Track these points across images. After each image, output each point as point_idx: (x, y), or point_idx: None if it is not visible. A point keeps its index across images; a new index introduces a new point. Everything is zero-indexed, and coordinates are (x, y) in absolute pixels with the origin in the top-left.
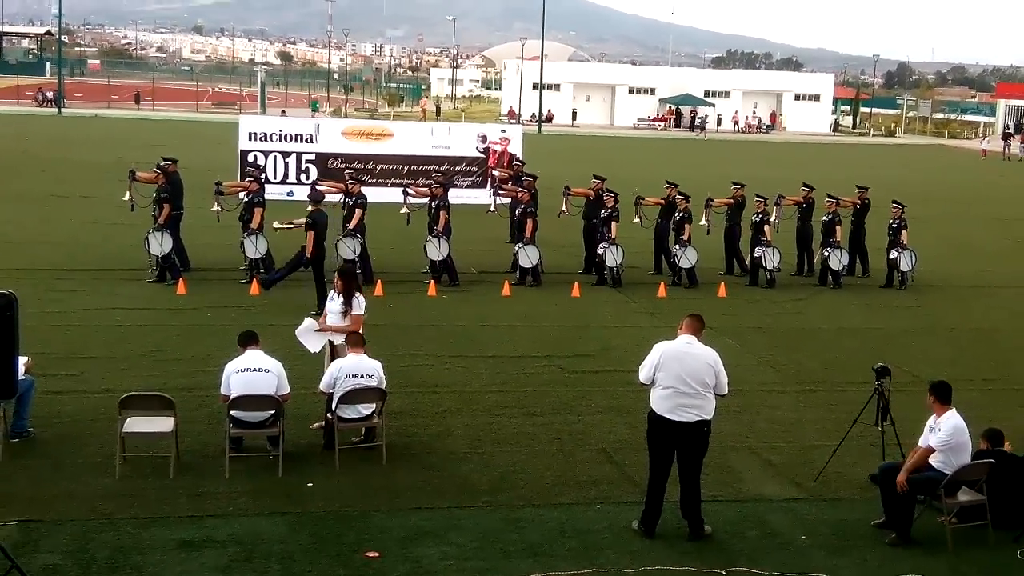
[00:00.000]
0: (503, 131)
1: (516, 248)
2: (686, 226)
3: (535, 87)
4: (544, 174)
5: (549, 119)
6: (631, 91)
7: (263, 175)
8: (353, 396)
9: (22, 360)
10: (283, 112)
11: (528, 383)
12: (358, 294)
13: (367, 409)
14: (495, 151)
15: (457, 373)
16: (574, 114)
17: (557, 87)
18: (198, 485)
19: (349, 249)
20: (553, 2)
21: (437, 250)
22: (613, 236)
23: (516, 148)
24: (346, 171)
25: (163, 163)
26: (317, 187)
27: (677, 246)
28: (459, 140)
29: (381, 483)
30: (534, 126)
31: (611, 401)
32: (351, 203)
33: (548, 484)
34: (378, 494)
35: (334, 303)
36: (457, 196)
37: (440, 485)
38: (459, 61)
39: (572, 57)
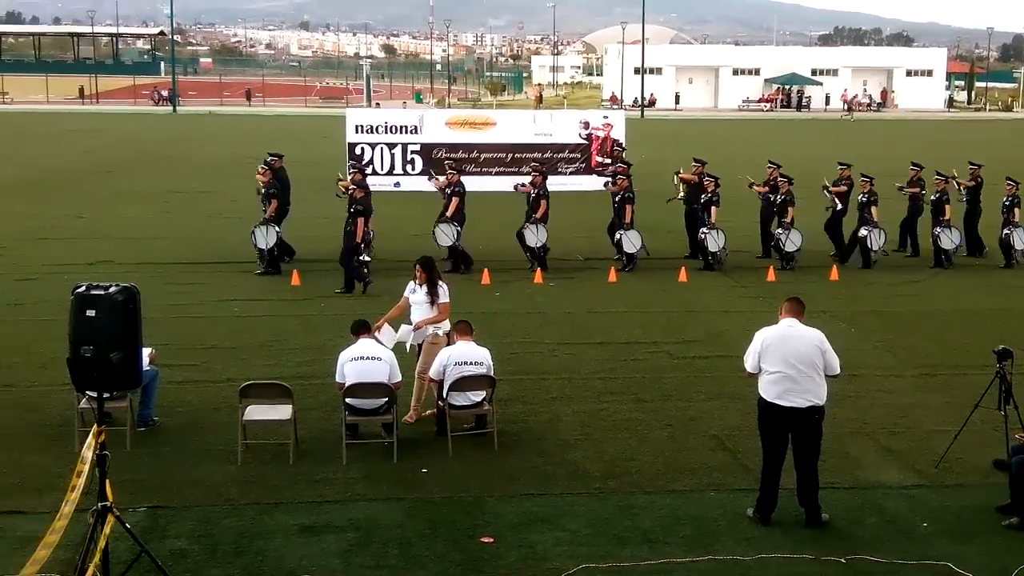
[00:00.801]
0: (605, 117)
1: (618, 234)
2: (789, 209)
3: (637, 71)
4: (648, 159)
5: (652, 103)
6: (735, 72)
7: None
8: (463, 383)
9: (146, 351)
10: (377, 104)
11: (637, 369)
12: (441, 282)
13: (477, 396)
14: (598, 137)
15: (565, 360)
16: (677, 98)
17: (659, 71)
18: (316, 471)
19: (446, 236)
20: None
21: (535, 237)
22: (713, 221)
23: (619, 133)
24: (445, 160)
25: (270, 159)
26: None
27: (780, 229)
28: (561, 127)
29: (493, 469)
30: (636, 111)
31: (722, 387)
32: (449, 191)
33: (660, 470)
34: (491, 480)
35: (417, 294)
36: (560, 183)
37: (552, 471)
38: (560, 48)
39: (674, 40)
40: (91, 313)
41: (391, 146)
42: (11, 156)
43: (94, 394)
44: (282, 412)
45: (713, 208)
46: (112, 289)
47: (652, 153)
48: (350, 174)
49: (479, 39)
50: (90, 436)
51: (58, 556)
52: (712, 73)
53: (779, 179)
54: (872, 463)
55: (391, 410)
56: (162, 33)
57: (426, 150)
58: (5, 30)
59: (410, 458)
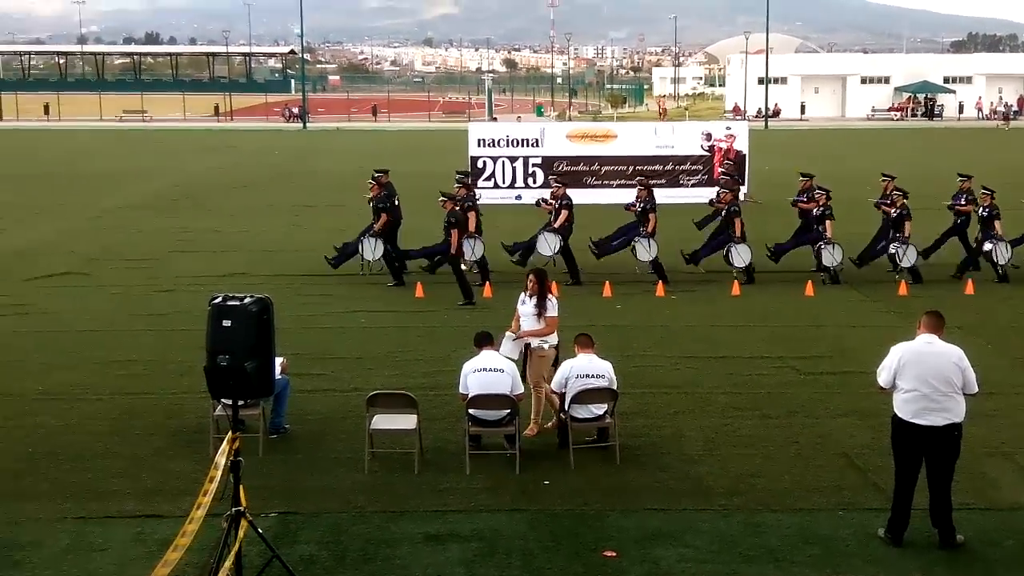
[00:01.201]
0: (728, 128)
1: (728, 248)
2: (906, 223)
3: (760, 81)
4: (772, 170)
5: (776, 114)
6: (863, 81)
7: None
8: (585, 396)
9: (278, 360)
10: (494, 118)
11: (762, 384)
12: (551, 296)
13: (599, 409)
14: (720, 149)
15: (688, 374)
16: (802, 107)
17: (784, 80)
18: (441, 481)
19: (548, 245)
20: None
21: (647, 251)
22: (829, 234)
23: (742, 145)
24: (550, 175)
25: (376, 174)
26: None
27: (896, 243)
28: (683, 139)
29: (616, 483)
30: (760, 122)
31: (851, 404)
32: (557, 204)
33: (787, 488)
34: (613, 494)
35: (526, 305)
36: (682, 196)
37: (675, 487)
38: (681, 59)
39: (799, 49)
40: (227, 323)
41: (512, 159)
42: (151, 172)
43: (229, 402)
44: (407, 422)
45: (828, 222)
46: (247, 300)
47: (777, 164)
48: (455, 187)
49: (600, 52)
50: (224, 443)
51: (192, 559)
52: (839, 82)
53: (894, 192)
54: (1009, 484)
55: (513, 422)
56: (292, 52)
57: (547, 163)
58: (145, 51)
59: (533, 470)
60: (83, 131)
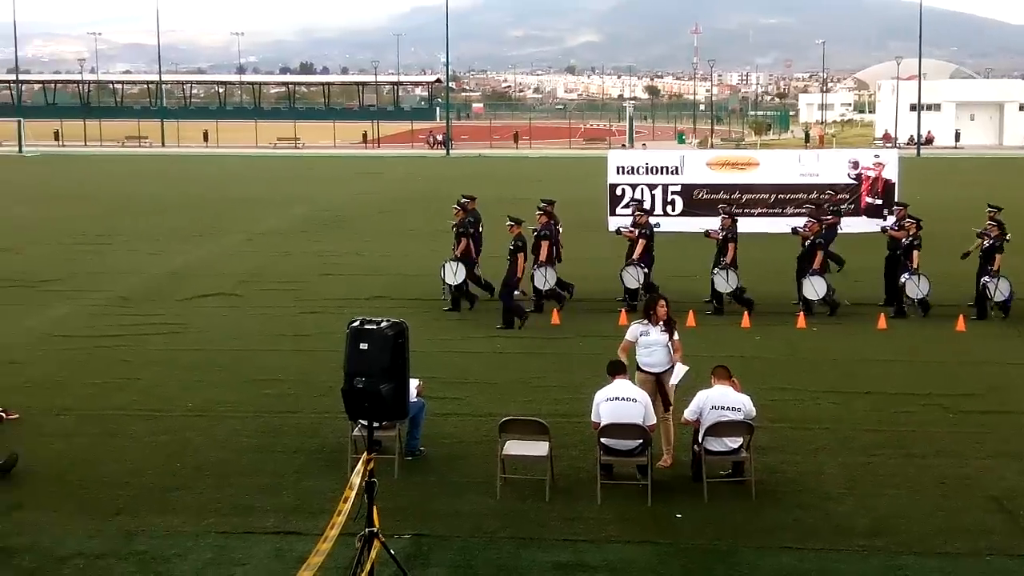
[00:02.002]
0: (876, 156)
1: (804, 279)
2: (996, 256)
3: (913, 108)
4: (924, 200)
5: (929, 141)
6: (1022, 107)
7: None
8: (720, 429)
9: (415, 383)
10: (644, 145)
11: (907, 422)
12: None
13: (734, 443)
14: (868, 177)
15: (830, 409)
16: (957, 135)
17: (937, 107)
18: (571, 509)
19: (632, 278)
20: (932, 18)
21: (725, 282)
22: (915, 265)
23: (891, 173)
24: (631, 203)
25: (463, 200)
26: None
27: (987, 277)
28: (829, 167)
29: (750, 519)
30: (912, 149)
31: (1002, 445)
32: (637, 233)
33: (931, 531)
34: (747, 530)
35: (651, 336)
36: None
37: (813, 525)
38: (829, 85)
39: (954, 74)
40: (364, 346)
41: (651, 187)
42: (301, 198)
43: (366, 423)
44: (539, 448)
45: (915, 252)
46: (383, 324)
47: (930, 194)
48: (537, 214)
49: (744, 78)
50: (359, 463)
51: None
52: (996, 109)
53: (988, 224)
54: None
55: (645, 452)
56: (438, 81)
57: (687, 190)
58: (299, 80)
59: (665, 502)
60: (239, 157)
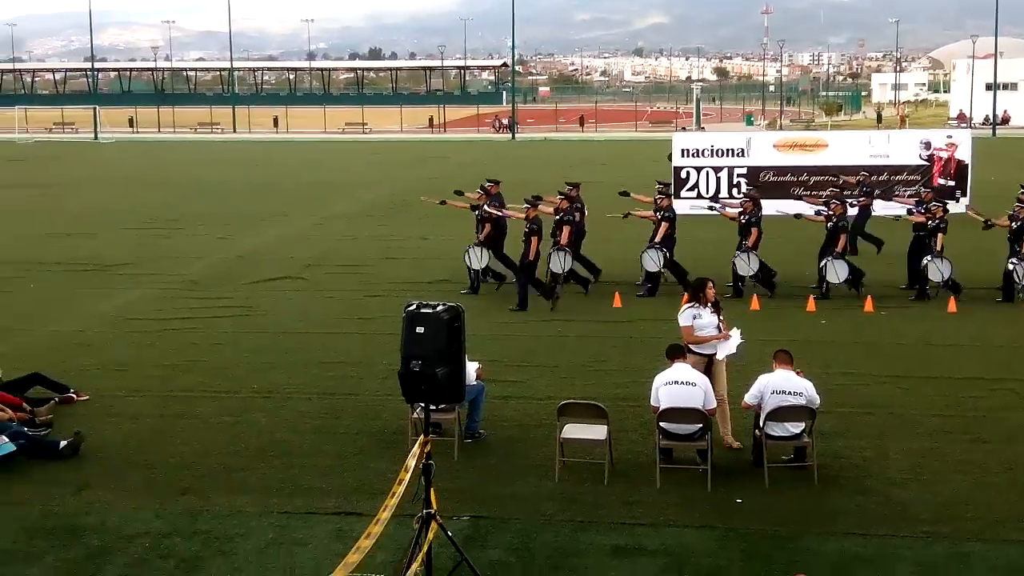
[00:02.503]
0: (949, 136)
1: (824, 261)
2: (938, 236)
3: (988, 87)
4: (998, 181)
5: (1005, 121)
6: None
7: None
8: (781, 414)
9: (474, 366)
10: (683, 128)
11: (976, 407)
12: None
13: (796, 428)
14: (940, 158)
15: (895, 394)
16: None
17: (1014, 86)
18: (630, 493)
19: (652, 261)
20: None
21: (747, 265)
22: (938, 248)
23: (964, 154)
24: (658, 185)
25: (487, 184)
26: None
27: (1015, 259)
28: (899, 148)
29: (812, 504)
30: (987, 129)
31: None
32: (659, 216)
33: (999, 518)
34: (809, 515)
35: (703, 319)
36: (898, 208)
37: (876, 511)
38: (903, 64)
39: None
40: (420, 330)
41: (717, 169)
42: (368, 182)
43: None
44: (598, 432)
45: (939, 235)
46: (439, 308)
47: (1004, 175)
48: (558, 197)
49: (816, 58)
50: (416, 446)
51: (386, 559)
52: None
53: (1017, 204)
54: None
55: (705, 436)
56: (505, 65)
57: (753, 173)
58: (367, 66)
59: (725, 486)
60: (308, 143)
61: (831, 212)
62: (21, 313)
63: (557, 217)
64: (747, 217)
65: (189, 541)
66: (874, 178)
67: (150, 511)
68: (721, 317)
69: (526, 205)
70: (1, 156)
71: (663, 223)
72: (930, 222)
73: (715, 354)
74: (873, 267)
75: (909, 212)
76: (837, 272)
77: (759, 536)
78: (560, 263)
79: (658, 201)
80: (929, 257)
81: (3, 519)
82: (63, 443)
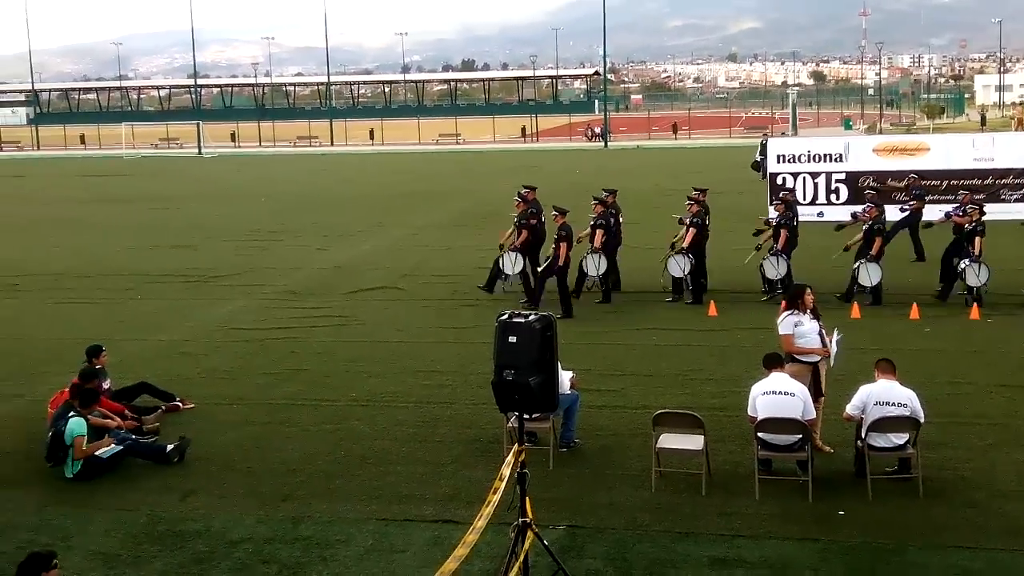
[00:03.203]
0: None
1: (858, 265)
2: (976, 240)
3: None
4: None
5: None
6: None
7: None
8: (884, 424)
9: (568, 375)
10: (782, 133)
11: None
12: None
13: (900, 439)
14: None
15: (1004, 404)
16: None
17: None
18: (728, 504)
19: (678, 267)
20: None
21: (774, 268)
22: (976, 252)
23: None
24: (693, 192)
25: (524, 191)
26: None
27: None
28: (1005, 151)
29: (917, 517)
30: None
31: None
32: (688, 222)
33: None
34: (914, 528)
35: (803, 326)
36: (1003, 211)
37: (984, 524)
38: (1008, 65)
39: None
40: (512, 339)
41: (814, 175)
42: (462, 192)
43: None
44: (694, 442)
45: (977, 239)
46: (531, 317)
47: None
48: (593, 203)
49: (916, 60)
50: (510, 455)
51: (483, 567)
52: None
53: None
54: None
55: (805, 447)
56: (597, 73)
57: (851, 179)
58: (460, 77)
59: (826, 498)
60: (402, 154)
61: (867, 215)
62: (129, 323)
63: (592, 223)
64: (780, 219)
65: (291, 547)
66: (976, 182)
67: (253, 517)
68: (822, 323)
69: (555, 213)
70: (109, 171)
71: (691, 229)
72: (967, 225)
73: (819, 362)
74: (913, 272)
75: (947, 216)
76: (870, 275)
77: (862, 549)
78: (595, 265)
79: (688, 208)
80: (967, 261)
81: (113, 524)
82: (170, 447)
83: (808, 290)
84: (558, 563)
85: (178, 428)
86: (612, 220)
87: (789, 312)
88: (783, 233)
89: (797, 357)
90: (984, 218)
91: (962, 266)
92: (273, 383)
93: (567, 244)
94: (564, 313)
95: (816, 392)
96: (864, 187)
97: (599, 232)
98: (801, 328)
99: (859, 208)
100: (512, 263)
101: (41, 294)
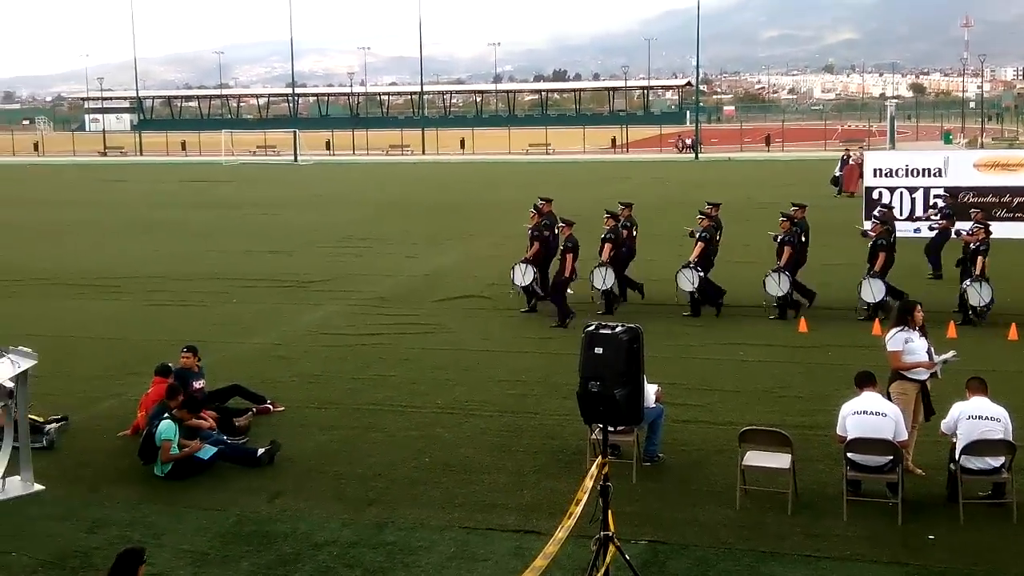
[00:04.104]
0: None
1: (862, 281)
2: (978, 259)
3: None
4: None
5: None
6: None
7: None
8: (979, 447)
9: (653, 388)
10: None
11: None
12: None
13: (996, 461)
14: None
15: None
16: None
17: None
18: (815, 524)
19: (687, 280)
20: None
21: (776, 285)
22: (977, 271)
23: None
24: (706, 207)
25: (540, 202)
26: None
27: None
28: None
29: (1011, 543)
30: None
31: None
32: (697, 236)
33: None
34: (1007, 555)
35: (913, 343)
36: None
37: None
38: None
39: None
40: (598, 351)
41: (912, 190)
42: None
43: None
44: (781, 460)
45: (980, 258)
46: (618, 329)
47: None
48: (605, 215)
49: (1020, 73)
50: (593, 467)
51: None
52: None
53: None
54: None
55: (896, 469)
56: (689, 84)
57: (951, 193)
58: (551, 87)
59: (916, 522)
60: (492, 164)
61: (871, 231)
62: (224, 326)
63: (604, 236)
64: (785, 236)
65: (374, 552)
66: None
67: (338, 521)
68: (930, 341)
69: (562, 224)
70: (209, 178)
71: (699, 243)
72: (972, 244)
73: (927, 380)
74: (928, 289)
75: (956, 234)
76: (873, 291)
77: (952, 575)
78: (602, 278)
79: (699, 222)
80: (968, 281)
81: (203, 524)
82: (260, 451)
83: (918, 307)
84: None
85: (268, 430)
86: (627, 232)
87: (899, 328)
88: (787, 250)
89: (905, 374)
90: (991, 237)
91: (964, 286)
92: (361, 388)
93: (573, 255)
94: (560, 322)
95: (927, 411)
96: (965, 202)
97: (608, 245)
98: (911, 345)
99: (868, 224)
100: (522, 274)
101: (140, 296)
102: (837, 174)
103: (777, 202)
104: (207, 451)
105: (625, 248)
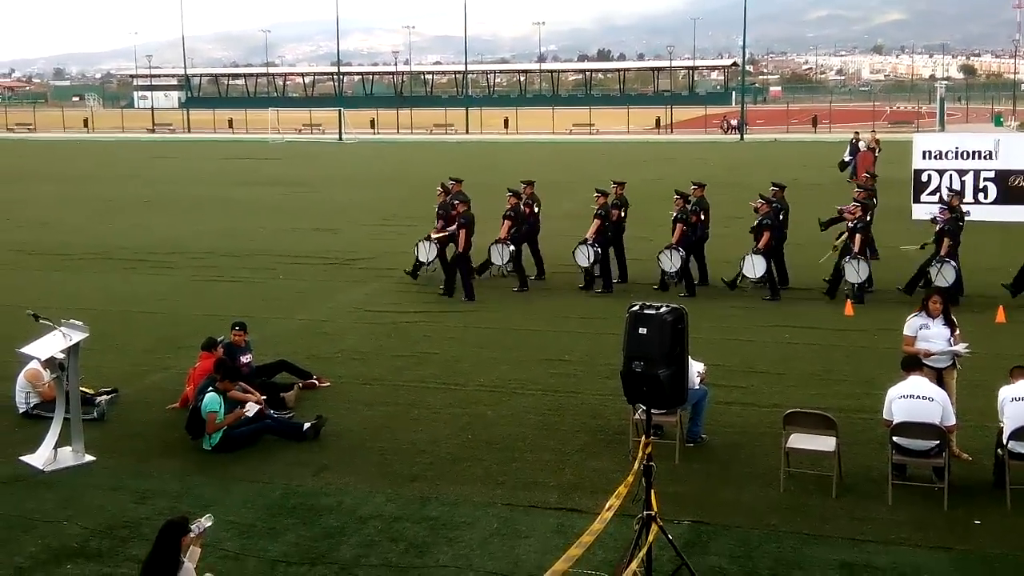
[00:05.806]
0: None
1: (846, 260)
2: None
3: None
4: None
5: None
6: None
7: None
8: None
9: (699, 368)
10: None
11: None
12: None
13: None
14: None
15: None
16: None
17: None
18: (859, 508)
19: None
20: None
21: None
22: (857, 249)
23: None
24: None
25: (449, 182)
26: None
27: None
28: None
29: None
30: None
31: None
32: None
33: None
34: None
35: (929, 329)
36: None
37: None
38: None
39: None
40: (643, 331)
41: (961, 172)
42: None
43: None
44: (826, 443)
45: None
46: (663, 309)
47: None
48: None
49: None
50: (638, 448)
51: (606, 557)
52: None
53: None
54: None
55: (942, 454)
56: (735, 64)
57: (1001, 177)
58: (595, 67)
59: (962, 506)
60: (536, 143)
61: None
62: (272, 302)
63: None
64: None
65: (418, 526)
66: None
67: (382, 495)
68: (955, 331)
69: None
70: (256, 155)
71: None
72: (849, 223)
73: (945, 369)
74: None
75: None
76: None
77: (999, 560)
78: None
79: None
80: (847, 258)
81: (250, 496)
82: (306, 425)
83: (935, 297)
84: (682, 558)
85: (314, 405)
86: (528, 209)
87: (917, 314)
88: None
89: (924, 362)
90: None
91: (843, 262)
92: (405, 365)
93: (467, 231)
94: (446, 291)
95: None
96: (1016, 186)
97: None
98: (926, 332)
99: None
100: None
101: (189, 272)
102: (846, 159)
103: (826, 183)
104: (251, 409)
105: (527, 225)
